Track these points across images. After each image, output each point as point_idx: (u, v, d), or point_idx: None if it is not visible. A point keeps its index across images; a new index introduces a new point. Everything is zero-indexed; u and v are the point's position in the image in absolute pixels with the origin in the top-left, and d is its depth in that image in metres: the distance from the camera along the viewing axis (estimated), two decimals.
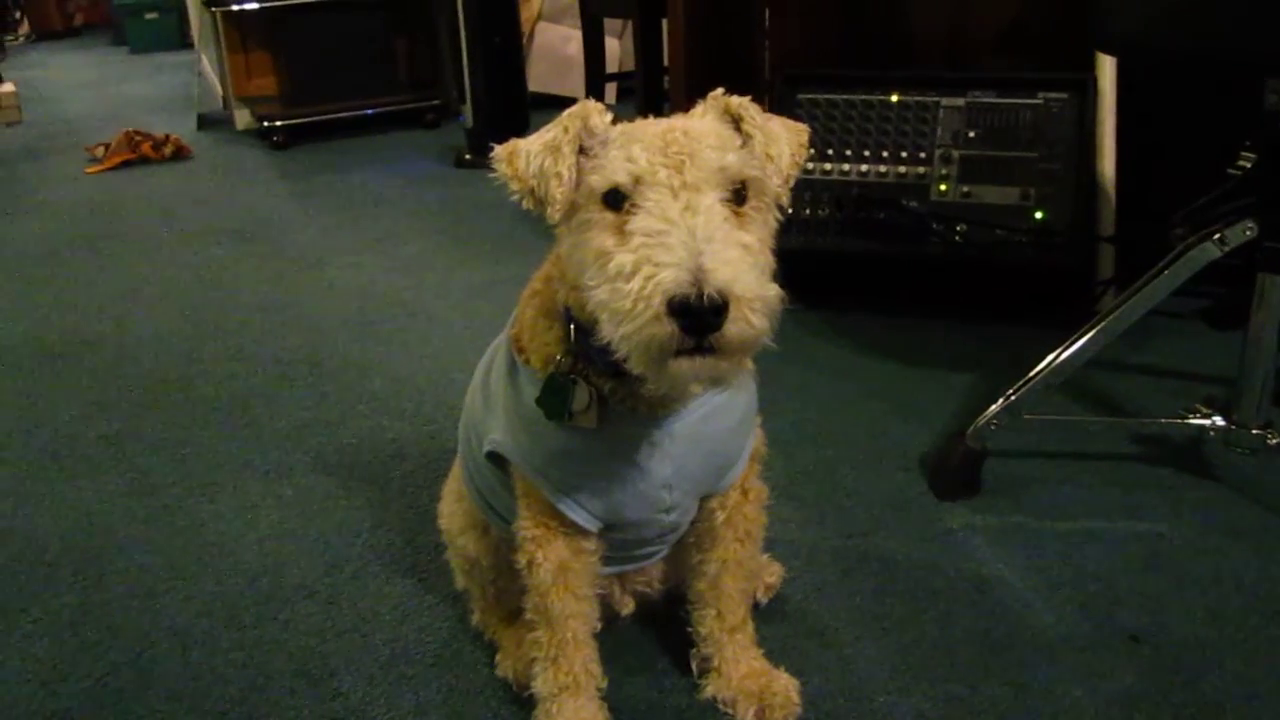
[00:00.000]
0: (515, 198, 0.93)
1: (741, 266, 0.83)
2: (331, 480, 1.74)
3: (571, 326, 1.00)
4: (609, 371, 0.99)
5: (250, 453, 1.84)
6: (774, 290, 0.85)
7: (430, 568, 1.48)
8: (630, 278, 0.82)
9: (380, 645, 1.35)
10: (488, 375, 1.14)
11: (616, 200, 0.88)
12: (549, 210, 0.91)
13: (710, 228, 0.83)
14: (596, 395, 1.01)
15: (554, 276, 1.02)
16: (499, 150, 0.94)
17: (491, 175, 0.95)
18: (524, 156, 0.92)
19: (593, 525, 1.09)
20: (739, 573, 1.21)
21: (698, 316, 0.80)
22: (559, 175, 0.90)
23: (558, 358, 1.01)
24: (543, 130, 0.93)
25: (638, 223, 0.85)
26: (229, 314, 2.50)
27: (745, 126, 0.95)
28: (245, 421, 1.95)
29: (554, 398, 1.01)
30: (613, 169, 0.88)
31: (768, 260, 0.90)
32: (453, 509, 1.27)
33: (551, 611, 1.12)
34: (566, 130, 0.91)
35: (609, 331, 0.85)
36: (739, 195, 0.90)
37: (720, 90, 0.97)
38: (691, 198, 0.85)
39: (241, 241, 3.08)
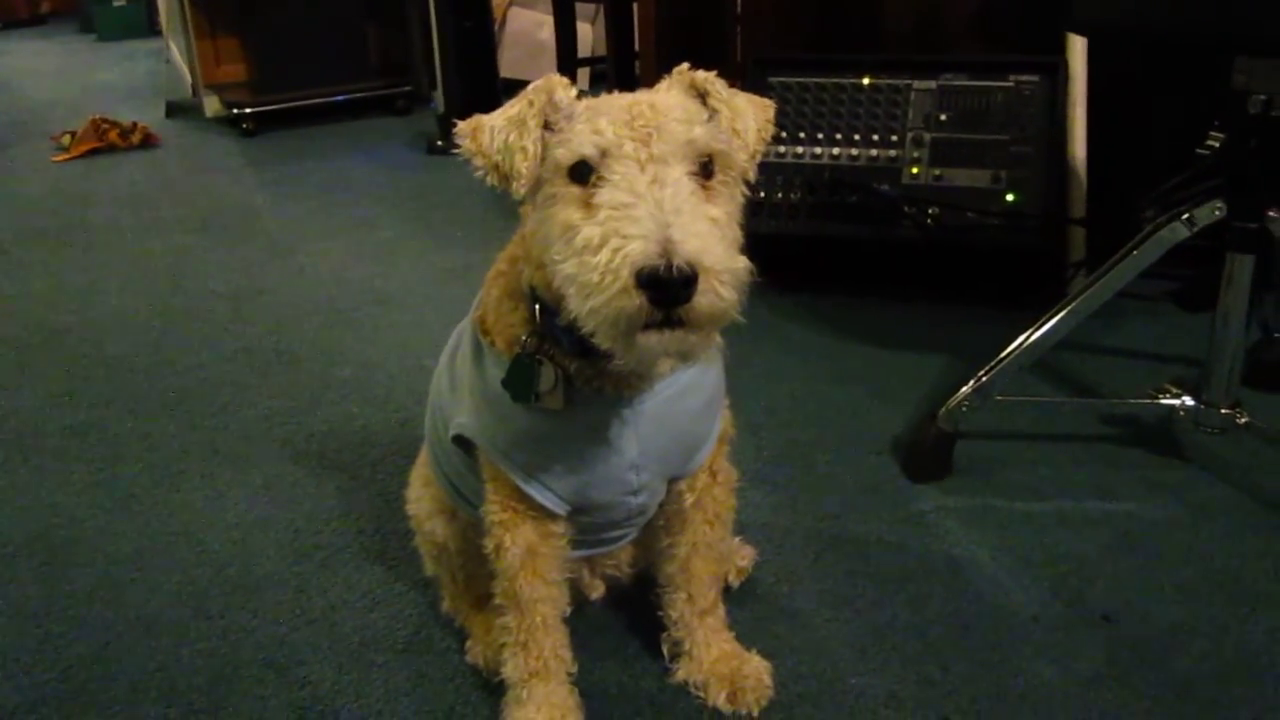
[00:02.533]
0: (480, 174, 0.91)
1: (710, 239, 0.82)
2: (300, 468, 1.72)
3: (537, 306, 0.99)
4: (575, 351, 0.98)
5: (218, 441, 1.82)
6: (742, 262, 0.84)
7: (400, 554, 1.47)
8: (597, 250, 0.81)
9: (349, 633, 1.33)
10: (453, 358, 1.13)
11: (583, 174, 0.86)
12: (514, 185, 0.89)
13: (678, 200, 0.82)
14: (563, 375, 1.00)
15: (519, 257, 1.01)
16: (463, 125, 0.92)
17: (457, 153, 0.93)
18: (488, 131, 0.91)
19: (560, 508, 1.08)
20: (709, 556, 1.20)
21: (667, 288, 0.78)
22: (524, 150, 0.88)
23: (523, 338, 1.00)
24: (507, 105, 0.91)
25: (604, 196, 0.84)
26: (197, 302, 2.47)
27: (711, 101, 0.94)
28: (213, 410, 1.93)
29: (520, 379, 1.00)
30: (579, 142, 0.86)
31: (735, 234, 0.89)
32: (420, 494, 1.26)
33: (520, 596, 1.11)
34: (531, 104, 0.90)
35: (576, 306, 0.84)
36: (706, 169, 0.89)
37: (685, 65, 0.96)
38: (659, 170, 0.84)
39: (210, 229, 3.04)
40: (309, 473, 1.70)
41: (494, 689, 1.20)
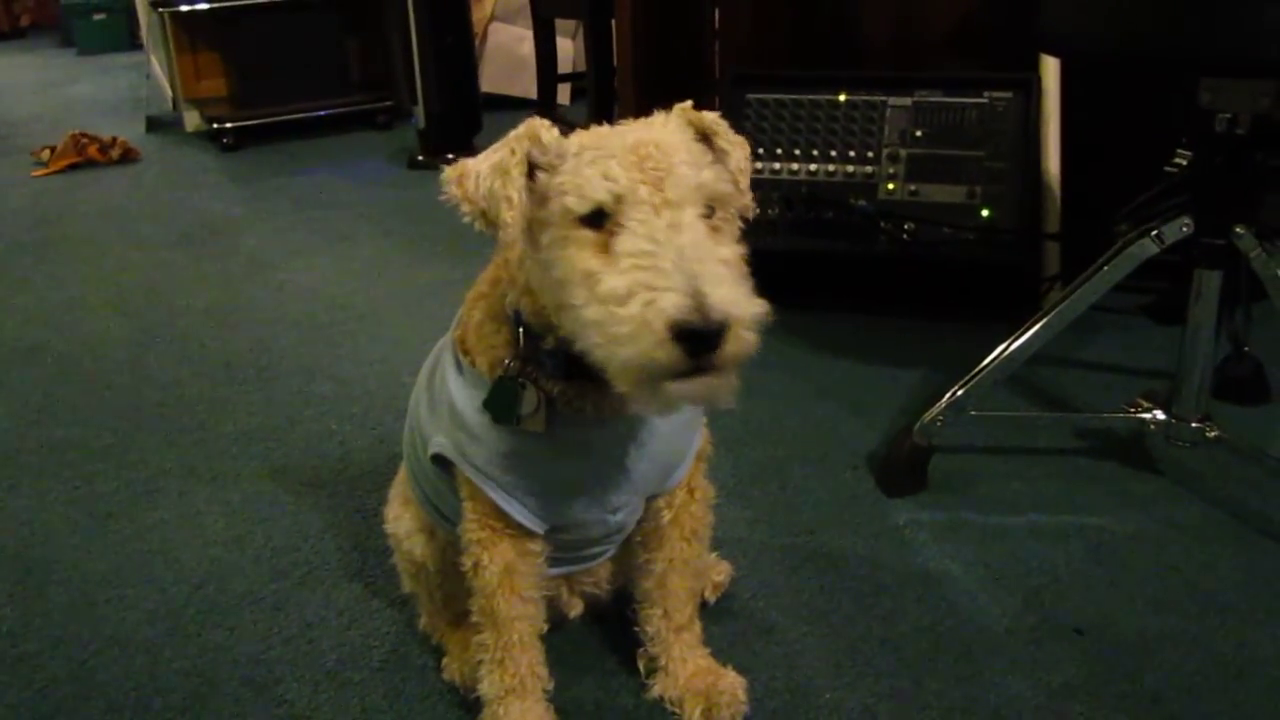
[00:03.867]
0: (467, 219, 0.91)
1: (732, 284, 0.83)
2: (278, 485, 1.72)
3: (520, 330, 1.00)
4: (558, 375, 1.00)
5: (195, 459, 1.82)
6: (761, 305, 0.85)
7: (377, 572, 1.47)
8: (625, 301, 0.81)
9: (326, 651, 1.33)
10: (432, 377, 1.14)
11: (597, 219, 0.86)
12: (501, 233, 0.89)
13: (698, 247, 0.83)
14: (544, 398, 1.01)
15: (501, 280, 1.02)
16: (448, 172, 0.92)
17: (442, 198, 0.93)
18: (473, 179, 0.90)
19: (538, 526, 1.09)
20: (686, 572, 1.21)
21: (704, 340, 0.80)
22: (508, 199, 0.88)
23: (506, 361, 1.01)
24: (490, 150, 0.91)
25: (624, 244, 0.84)
26: (176, 318, 2.47)
27: (719, 143, 0.96)
28: (191, 427, 1.93)
29: (502, 401, 1.01)
30: (591, 188, 0.86)
31: (744, 271, 0.90)
32: (399, 513, 1.26)
33: (498, 613, 1.11)
34: (514, 152, 0.90)
35: (601, 353, 0.84)
36: (709, 209, 0.90)
37: (689, 104, 0.97)
38: (674, 215, 0.85)
39: (190, 245, 3.04)
40: (287, 490, 1.71)
41: (471, 706, 1.20)
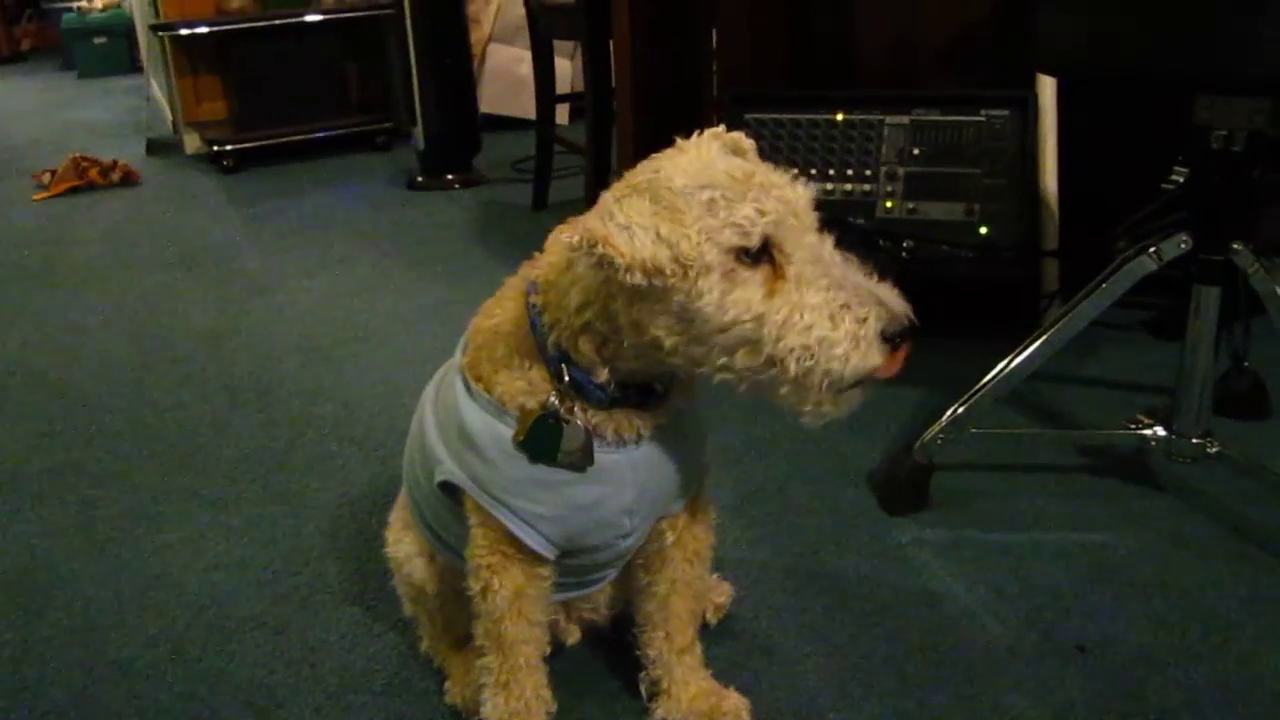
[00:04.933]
0: (628, 277, 0.86)
1: (877, 279, 0.91)
2: (280, 508, 1.72)
3: (564, 367, 0.99)
4: (604, 405, 1.00)
5: (197, 482, 1.82)
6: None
7: (379, 594, 1.47)
8: (829, 324, 0.86)
9: (328, 675, 1.33)
10: (436, 401, 1.13)
11: (758, 255, 0.88)
12: (685, 275, 0.87)
13: (842, 258, 0.90)
14: (588, 433, 1.01)
15: (521, 317, 1.01)
16: (580, 239, 0.87)
17: (588, 257, 0.88)
18: (625, 235, 0.86)
19: (551, 552, 1.08)
20: (688, 594, 1.21)
21: (901, 336, 0.88)
22: (688, 238, 0.86)
23: (547, 399, 1.00)
24: (619, 201, 0.88)
25: (802, 271, 0.87)
26: (177, 341, 2.47)
27: (751, 157, 0.97)
28: (192, 450, 1.93)
29: (541, 440, 1.00)
30: (750, 224, 0.86)
31: None
32: (399, 537, 1.26)
33: (505, 638, 1.11)
34: (674, 192, 0.87)
35: (810, 380, 0.88)
36: None
37: (721, 127, 0.98)
38: (813, 235, 0.90)
39: (190, 267, 3.05)
40: (288, 512, 1.71)
41: None
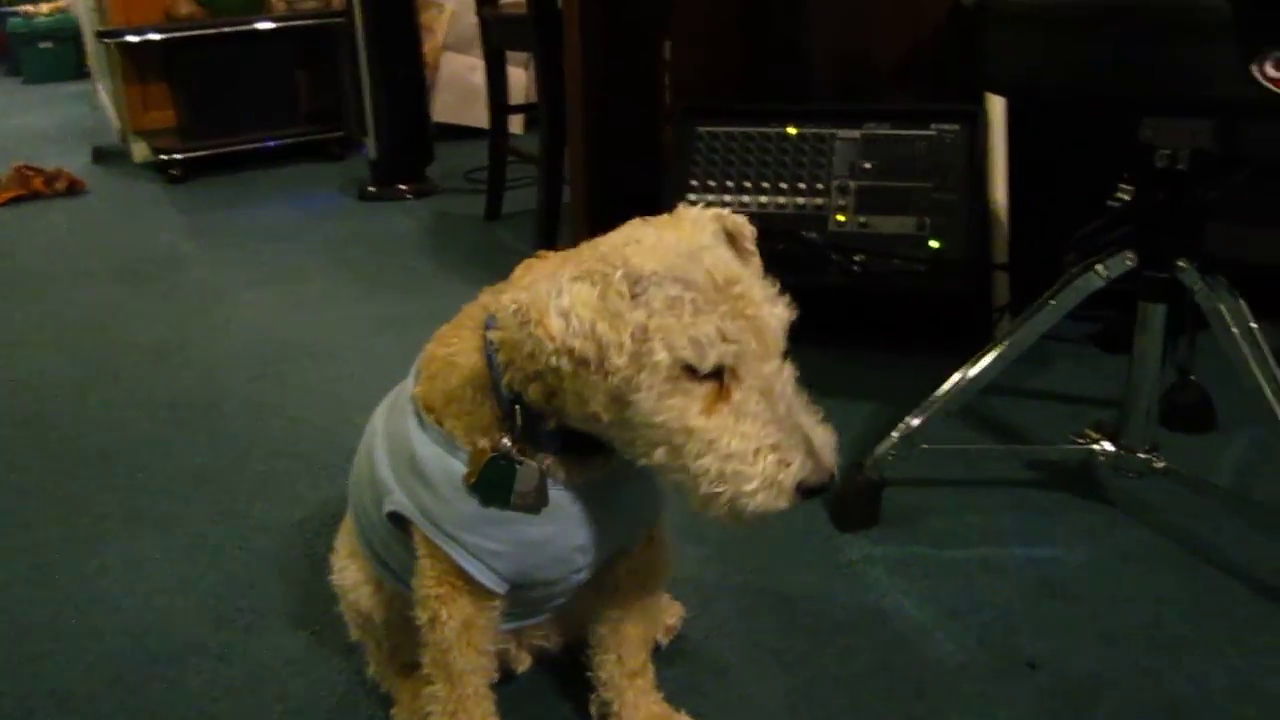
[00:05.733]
0: (553, 360, 0.84)
1: (822, 425, 0.89)
2: (224, 529, 1.69)
3: (517, 408, 0.95)
4: (554, 450, 0.98)
5: (139, 502, 1.78)
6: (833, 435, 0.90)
7: (326, 618, 1.44)
8: (752, 460, 0.84)
9: (272, 702, 1.31)
10: (388, 426, 1.09)
11: (704, 372, 0.85)
12: (609, 378, 0.85)
13: (796, 394, 0.88)
14: (542, 475, 0.98)
15: (496, 359, 0.96)
16: (516, 307, 0.84)
17: (495, 333, 0.89)
18: (563, 318, 0.83)
19: (502, 588, 1.05)
20: (641, 619, 1.19)
21: (821, 493, 0.87)
22: (619, 345, 0.83)
23: (500, 439, 0.97)
24: (572, 276, 0.84)
25: (743, 403, 0.85)
26: (120, 356, 2.43)
27: (746, 245, 0.96)
28: (135, 469, 1.89)
29: (494, 481, 0.97)
30: (711, 346, 0.83)
31: None
32: (345, 564, 1.23)
33: (453, 668, 1.08)
34: (620, 294, 0.83)
35: (714, 501, 0.86)
36: None
37: (725, 210, 0.96)
38: (774, 363, 0.87)
39: (135, 280, 3.00)
40: (233, 534, 1.67)
41: None
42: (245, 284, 2.92)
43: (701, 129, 2.31)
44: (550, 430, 0.96)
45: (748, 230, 0.96)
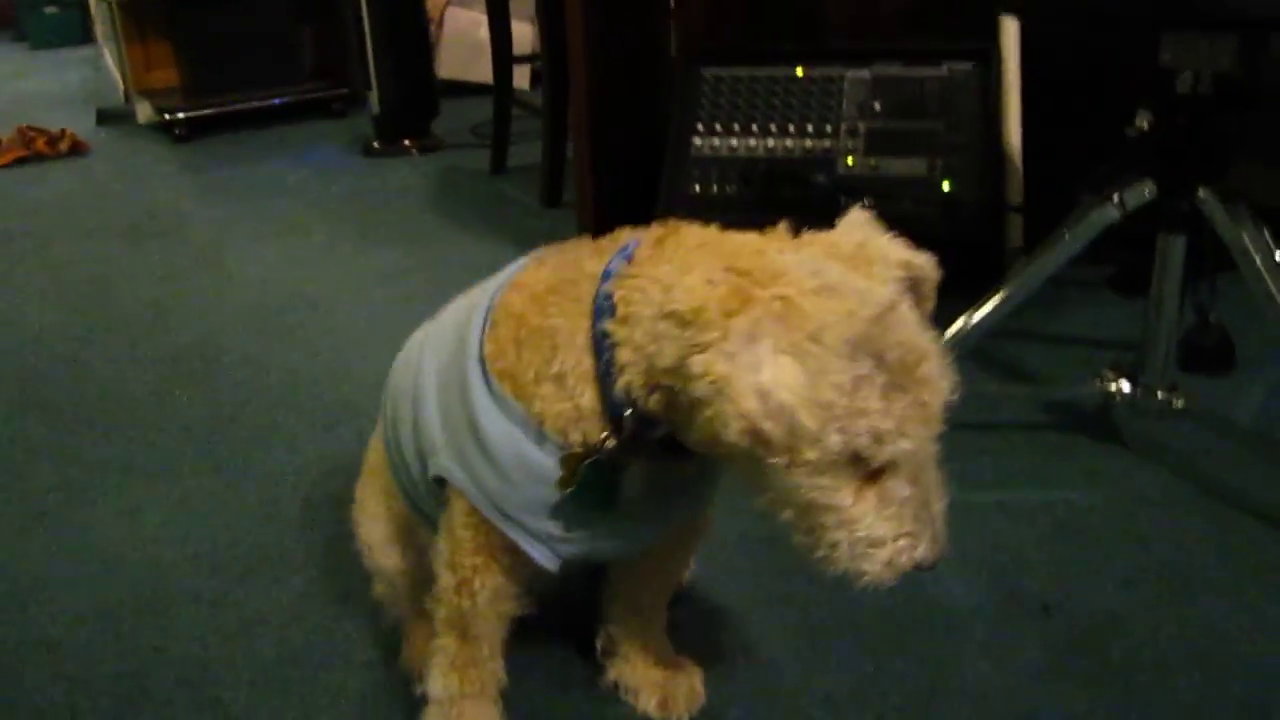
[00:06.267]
0: (726, 435, 0.73)
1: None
2: (221, 479, 1.66)
3: (629, 412, 0.84)
4: (654, 455, 0.87)
5: (135, 454, 1.75)
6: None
7: (322, 565, 1.42)
8: (881, 545, 0.80)
9: (266, 649, 1.28)
10: (440, 382, 0.97)
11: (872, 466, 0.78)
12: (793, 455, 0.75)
13: (938, 479, 0.82)
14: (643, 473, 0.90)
15: (613, 355, 0.83)
16: (716, 380, 0.72)
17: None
18: (760, 400, 0.71)
19: (557, 567, 0.97)
20: (670, 569, 1.16)
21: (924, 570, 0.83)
22: (814, 442, 0.74)
23: (604, 442, 0.86)
24: (776, 354, 0.71)
25: (893, 490, 0.79)
26: (120, 311, 2.39)
27: (927, 293, 0.86)
28: (132, 422, 1.86)
29: (593, 486, 0.88)
30: (888, 443, 0.75)
31: None
32: (370, 524, 1.17)
33: (472, 630, 1.03)
34: (838, 388, 0.73)
35: (826, 564, 0.81)
36: None
37: (917, 253, 0.85)
38: (931, 449, 0.80)
39: (138, 237, 2.96)
40: (229, 484, 1.64)
41: (416, 703, 1.14)
42: (247, 240, 2.88)
43: (707, 72, 2.25)
44: (657, 438, 0.85)
45: (933, 277, 0.86)
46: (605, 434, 0.86)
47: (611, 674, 1.18)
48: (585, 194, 2.47)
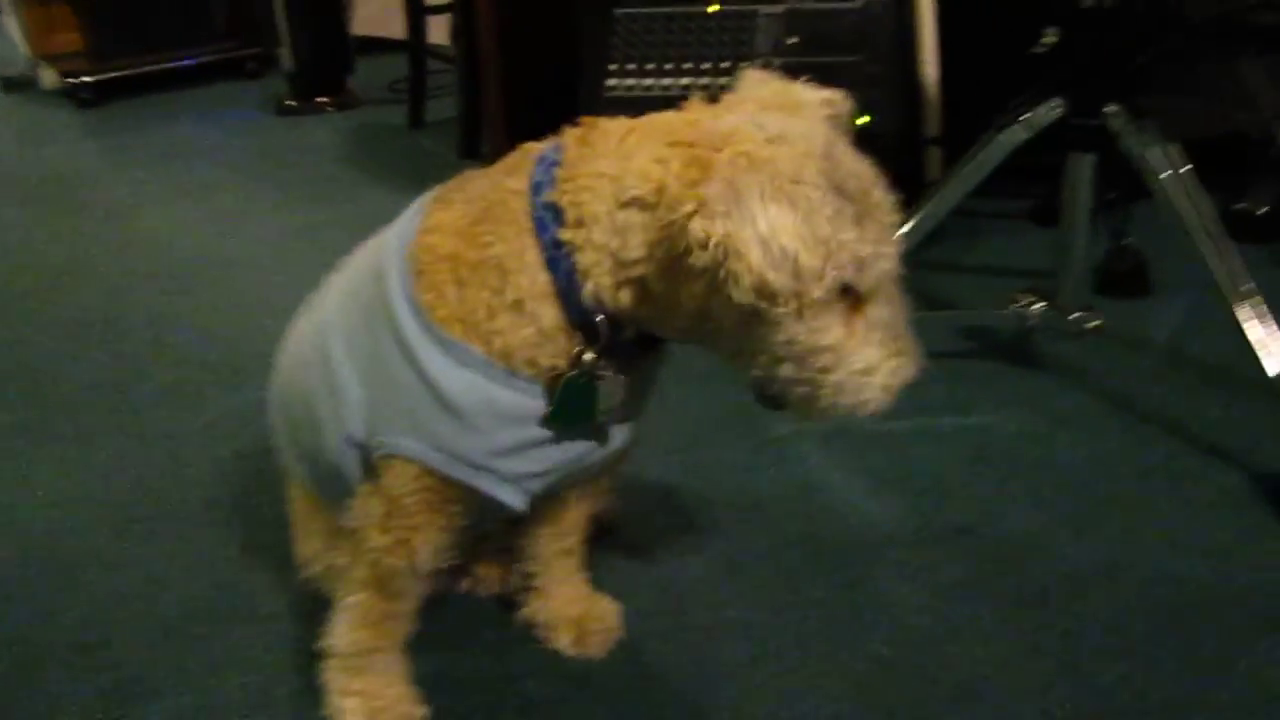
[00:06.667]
0: (738, 296, 0.72)
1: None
2: (124, 439, 1.60)
3: (600, 322, 0.83)
4: (626, 356, 0.86)
5: (34, 417, 1.68)
6: None
7: (228, 519, 1.37)
8: (874, 371, 0.80)
9: (167, 606, 1.23)
10: (373, 362, 0.89)
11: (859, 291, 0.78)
12: (781, 308, 0.75)
13: (903, 301, 0.83)
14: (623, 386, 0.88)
15: (570, 262, 0.81)
16: (719, 241, 0.71)
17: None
18: (761, 249, 0.71)
19: (525, 505, 0.93)
20: (591, 501, 1.13)
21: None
22: (819, 278, 0.74)
23: (583, 355, 0.84)
24: (764, 201, 0.71)
25: (878, 314, 0.80)
26: (21, 277, 2.30)
27: (847, 130, 0.89)
28: (31, 385, 1.79)
29: (574, 404, 0.85)
30: (876, 267, 0.77)
31: None
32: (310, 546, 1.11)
33: (396, 587, 0.98)
34: (829, 219, 0.73)
35: (832, 410, 0.82)
36: None
37: (840, 94, 0.88)
38: (896, 268, 0.81)
39: (39, 202, 2.85)
40: (134, 442, 1.59)
41: (320, 655, 1.11)
42: (158, 203, 2.79)
43: (619, 11, 2.20)
44: (628, 338, 0.85)
45: (847, 110, 0.89)
46: (580, 347, 0.84)
47: (527, 610, 1.16)
48: (500, 143, 2.42)
